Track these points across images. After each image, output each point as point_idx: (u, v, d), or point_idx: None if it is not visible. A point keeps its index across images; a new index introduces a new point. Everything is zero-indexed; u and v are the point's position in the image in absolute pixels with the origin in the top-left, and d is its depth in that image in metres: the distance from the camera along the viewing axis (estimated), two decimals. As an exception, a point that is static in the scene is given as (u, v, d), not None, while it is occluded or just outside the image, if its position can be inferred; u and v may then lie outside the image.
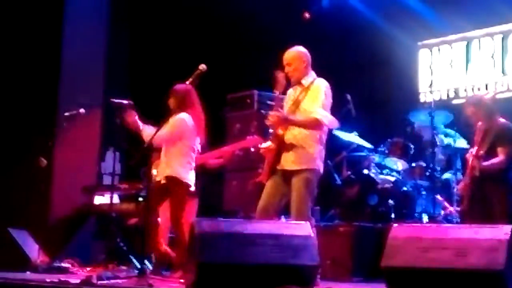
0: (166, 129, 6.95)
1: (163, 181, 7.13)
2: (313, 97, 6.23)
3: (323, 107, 6.21)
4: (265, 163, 6.32)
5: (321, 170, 6.28)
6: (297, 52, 6.43)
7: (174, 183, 7.05)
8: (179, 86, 7.16)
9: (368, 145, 8.98)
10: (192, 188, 7.21)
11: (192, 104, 7.18)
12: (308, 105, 6.22)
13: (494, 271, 4.78)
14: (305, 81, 6.34)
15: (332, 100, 6.34)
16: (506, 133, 6.92)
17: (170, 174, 7.07)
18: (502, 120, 7.08)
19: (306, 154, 6.18)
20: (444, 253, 4.99)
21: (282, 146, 6.21)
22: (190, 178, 7.12)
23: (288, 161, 6.20)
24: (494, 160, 6.87)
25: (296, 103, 6.29)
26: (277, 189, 6.22)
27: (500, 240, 4.89)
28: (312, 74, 6.43)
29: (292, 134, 6.22)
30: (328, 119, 6.23)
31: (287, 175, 6.19)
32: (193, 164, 7.19)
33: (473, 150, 7.02)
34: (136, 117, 7.21)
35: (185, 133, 7.11)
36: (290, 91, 6.48)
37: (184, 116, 7.09)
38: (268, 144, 6.33)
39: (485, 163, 6.83)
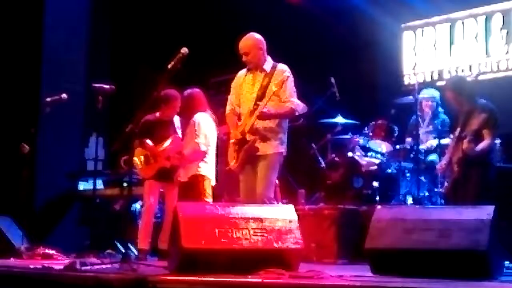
0: (199, 135, 7.46)
1: (186, 180, 7.52)
2: (280, 83, 6.31)
3: (293, 94, 6.45)
4: (233, 151, 6.46)
5: (285, 153, 6.50)
6: (253, 40, 6.53)
7: (197, 180, 7.45)
8: (186, 92, 7.70)
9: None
10: (213, 183, 7.58)
11: (202, 104, 7.67)
12: (275, 90, 6.29)
13: (478, 251, 4.80)
14: (266, 67, 6.49)
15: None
16: (490, 116, 6.81)
17: (194, 173, 7.48)
18: (483, 101, 7.01)
19: (273, 140, 6.39)
20: (428, 234, 5.01)
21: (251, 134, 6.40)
22: (210, 173, 7.53)
23: (257, 147, 6.37)
24: (483, 144, 6.77)
25: (262, 89, 6.40)
26: (253, 178, 6.41)
27: (484, 220, 4.91)
28: (269, 58, 6.57)
29: (263, 122, 6.39)
30: (300, 107, 6.51)
31: (255, 160, 6.39)
32: (213, 159, 7.61)
33: (456, 132, 7.01)
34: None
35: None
36: (245, 75, 6.60)
37: (201, 116, 7.53)
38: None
39: (478, 148, 6.74)
